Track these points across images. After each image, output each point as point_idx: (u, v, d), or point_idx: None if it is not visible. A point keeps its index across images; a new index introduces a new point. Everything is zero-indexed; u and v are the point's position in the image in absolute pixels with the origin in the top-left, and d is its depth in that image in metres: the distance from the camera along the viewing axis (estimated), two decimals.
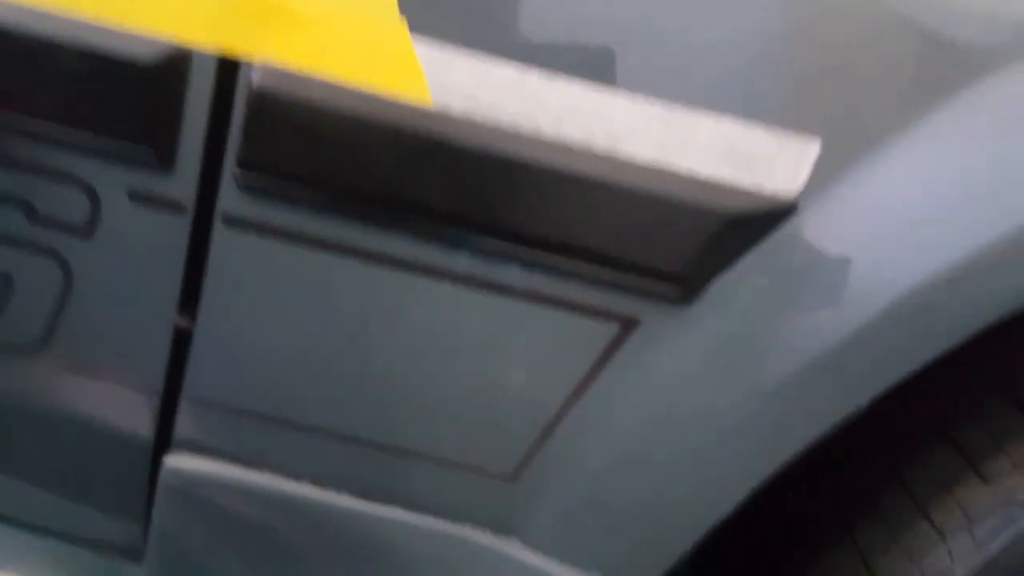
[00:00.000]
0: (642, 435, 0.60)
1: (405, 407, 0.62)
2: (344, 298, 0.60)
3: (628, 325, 0.57)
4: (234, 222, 0.58)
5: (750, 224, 0.53)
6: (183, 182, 0.58)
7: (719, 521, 0.61)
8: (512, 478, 0.63)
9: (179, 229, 0.59)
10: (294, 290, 0.60)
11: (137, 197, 0.58)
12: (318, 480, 0.64)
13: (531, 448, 0.61)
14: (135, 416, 0.65)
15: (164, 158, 0.57)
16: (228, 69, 0.56)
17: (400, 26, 0.53)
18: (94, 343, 0.63)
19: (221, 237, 0.59)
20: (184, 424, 0.64)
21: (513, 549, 0.63)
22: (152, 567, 0.69)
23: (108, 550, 0.73)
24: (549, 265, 0.56)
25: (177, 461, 0.64)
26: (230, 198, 0.58)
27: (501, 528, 0.64)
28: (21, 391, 0.66)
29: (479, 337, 0.59)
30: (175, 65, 0.55)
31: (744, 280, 0.54)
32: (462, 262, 0.57)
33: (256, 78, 0.54)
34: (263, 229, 0.58)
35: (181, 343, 0.62)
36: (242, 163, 0.56)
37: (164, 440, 0.65)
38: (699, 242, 0.53)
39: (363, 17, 0.54)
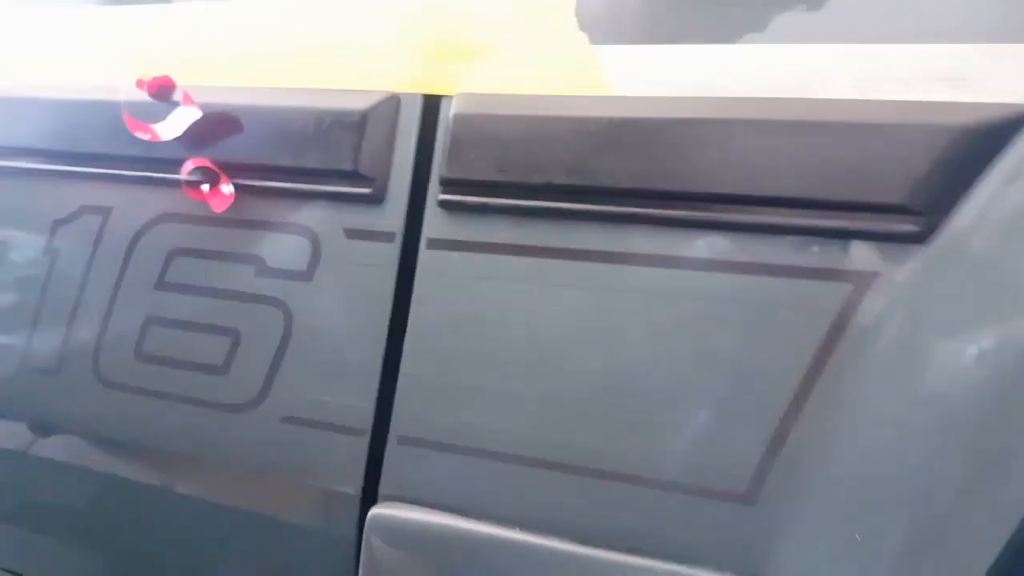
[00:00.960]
0: (898, 422, 0.50)
1: (622, 422, 0.56)
2: (545, 304, 0.58)
3: (861, 282, 0.50)
4: (438, 244, 0.60)
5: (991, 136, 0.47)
6: (393, 213, 0.62)
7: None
8: (748, 498, 0.53)
9: (389, 255, 0.62)
10: (495, 304, 0.59)
11: (352, 234, 0.63)
12: (531, 524, 0.57)
13: (765, 456, 0.53)
14: (343, 465, 0.63)
15: (378, 194, 0.62)
16: (431, 106, 0.62)
17: (581, 37, 0.58)
18: (306, 388, 0.64)
19: (426, 259, 0.61)
20: (392, 468, 0.62)
21: None
22: None
23: None
24: (767, 225, 0.52)
25: (384, 511, 0.60)
26: (434, 222, 0.61)
27: (745, 568, 0.53)
28: (229, 452, 0.68)
29: (697, 326, 0.54)
30: (383, 111, 0.62)
31: (990, 198, 0.47)
32: (668, 241, 0.54)
33: (455, 107, 0.59)
34: (465, 246, 0.60)
35: (389, 375, 0.62)
36: (445, 182, 0.59)
37: (372, 491, 0.62)
38: (939, 164, 0.48)
39: (547, 38, 0.59)
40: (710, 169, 0.52)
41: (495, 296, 0.59)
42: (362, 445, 0.63)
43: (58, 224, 0.76)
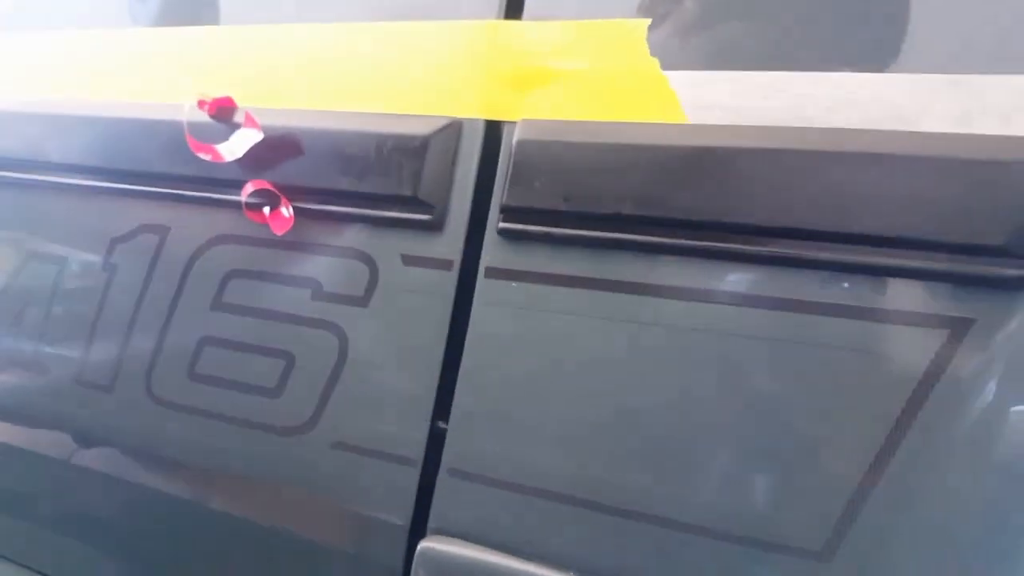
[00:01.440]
0: (988, 484, 0.47)
1: (688, 469, 0.54)
2: (607, 340, 0.56)
3: (957, 329, 0.47)
4: (497, 273, 0.59)
5: None
6: (452, 240, 0.61)
7: None
8: (825, 557, 0.50)
9: (447, 283, 0.60)
10: (554, 337, 0.57)
11: (410, 260, 0.62)
12: (585, 569, 0.55)
13: (845, 512, 0.50)
14: (393, 495, 0.62)
15: (437, 221, 0.61)
16: (493, 132, 0.61)
17: (653, 64, 0.56)
18: (358, 415, 0.63)
19: (484, 288, 0.59)
20: (442, 501, 0.60)
21: None
22: None
23: None
24: (855, 265, 0.49)
25: (433, 544, 0.59)
26: (493, 250, 0.59)
27: None
28: (279, 475, 0.67)
29: (778, 370, 0.52)
30: (445, 137, 0.61)
31: None
32: (743, 278, 0.52)
33: (519, 133, 0.58)
34: (525, 276, 0.58)
35: (442, 405, 0.61)
36: (506, 210, 0.58)
37: (421, 522, 0.61)
38: None
39: (616, 64, 0.58)
40: (791, 203, 0.50)
41: (554, 329, 0.57)
42: (413, 476, 0.61)
43: (116, 241, 0.77)
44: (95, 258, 0.78)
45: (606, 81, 0.58)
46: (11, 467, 0.84)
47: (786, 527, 0.51)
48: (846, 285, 0.50)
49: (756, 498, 0.52)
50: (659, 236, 0.53)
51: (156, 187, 0.74)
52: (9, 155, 0.82)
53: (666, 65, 0.56)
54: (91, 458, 0.78)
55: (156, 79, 0.76)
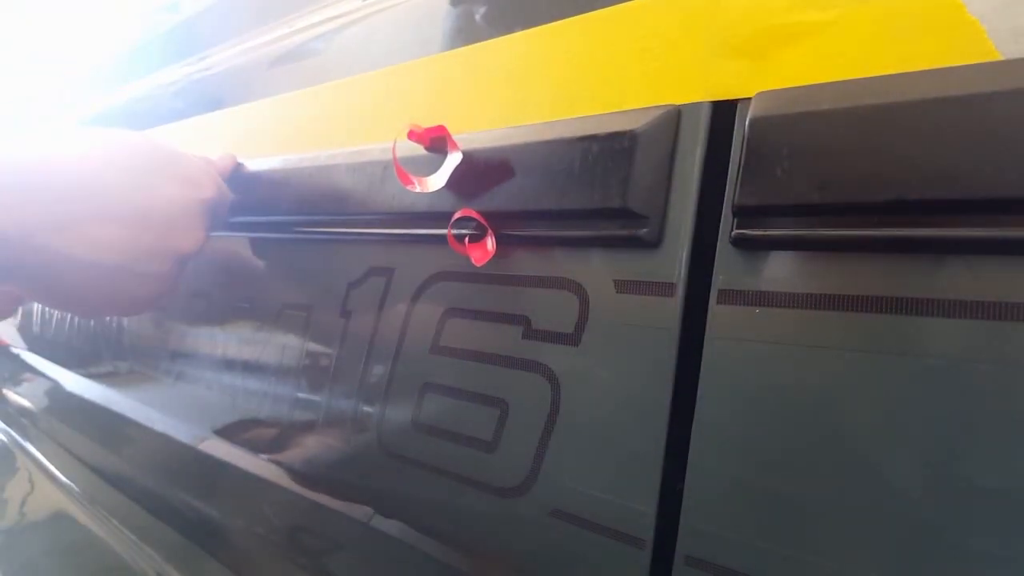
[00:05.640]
0: None
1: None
2: (900, 382, 0.38)
3: None
4: (734, 296, 0.45)
5: None
6: (672, 257, 0.48)
7: None
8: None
9: (668, 313, 0.47)
10: (821, 380, 0.41)
11: (623, 286, 0.50)
12: None
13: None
14: None
15: (652, 235, 0.49)
16: (723, 118, 0.47)
17: None
18: (576, 477, 0.52)
19: (718, 317, 0.45)
20: None
21: None
22: None
23: None
24: None
25: None
26: (727, 267, 0.45)
27: None
28: (498, 544, 0.58)
29: None
30: (659, 131, 0.49)
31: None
32: None
33: (753, 110, 0.44)
34: (772, 299, 0.43)
35: (674, 471, 0.47)
36: (740, 212, 0.44)
37: None
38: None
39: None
40: None
41: (819, 368, 0.41)
42: (642, 560, 0.48)
43: (351, 287, 0.76)
44: (336, 305, 0.78)
45: (871, 23, 0.41)
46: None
47: None
48: None
49: None
50: (973, 227, 0.35)
51: (381, 228, 0.72)
52: (260, 215, 0.87)
53: None
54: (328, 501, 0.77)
55: (365, 124, 0.75)
